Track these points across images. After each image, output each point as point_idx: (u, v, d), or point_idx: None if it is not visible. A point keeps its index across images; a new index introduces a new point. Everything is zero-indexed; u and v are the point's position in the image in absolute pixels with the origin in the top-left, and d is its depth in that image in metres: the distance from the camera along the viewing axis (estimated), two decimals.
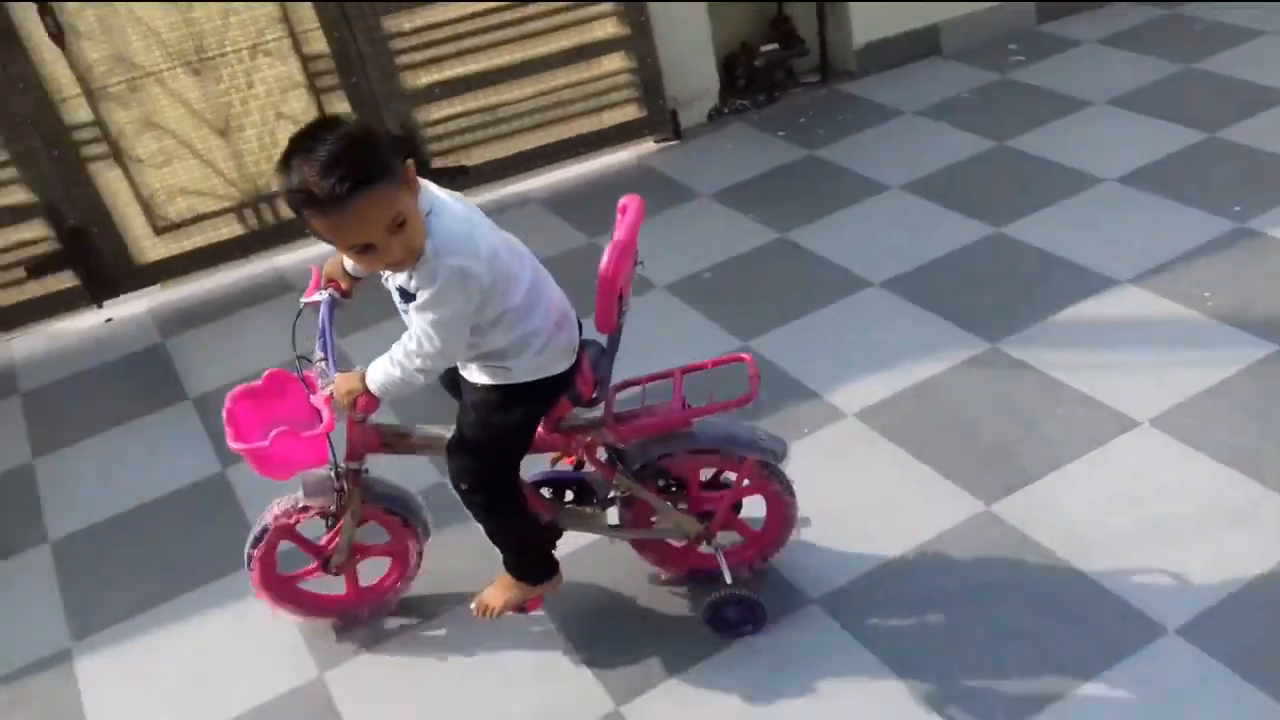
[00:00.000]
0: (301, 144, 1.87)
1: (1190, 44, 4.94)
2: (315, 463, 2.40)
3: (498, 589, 2.57)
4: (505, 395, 2.29)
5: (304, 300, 2.40)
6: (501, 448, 2.37)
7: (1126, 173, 4.05)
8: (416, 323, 2.09)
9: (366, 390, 2.22)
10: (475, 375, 2.31)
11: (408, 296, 2.09)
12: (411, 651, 2.68)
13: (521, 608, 2.60)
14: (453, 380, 2.42)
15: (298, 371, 2.37)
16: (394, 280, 2.10)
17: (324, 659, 2.69)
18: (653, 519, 2.58)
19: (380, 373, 2.21)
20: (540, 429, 2.42)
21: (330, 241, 1.97)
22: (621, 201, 2.39)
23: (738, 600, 2.53)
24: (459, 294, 2.03)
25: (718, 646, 2.52)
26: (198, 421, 3.65)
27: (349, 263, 2.37)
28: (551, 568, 2.56)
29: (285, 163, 1.89)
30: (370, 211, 1.88)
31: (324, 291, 2.39)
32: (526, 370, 2.26)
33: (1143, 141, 4.23)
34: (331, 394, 2.24)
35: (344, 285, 2.41)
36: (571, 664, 2.57)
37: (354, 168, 1.85)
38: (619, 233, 2.30)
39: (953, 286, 3.63)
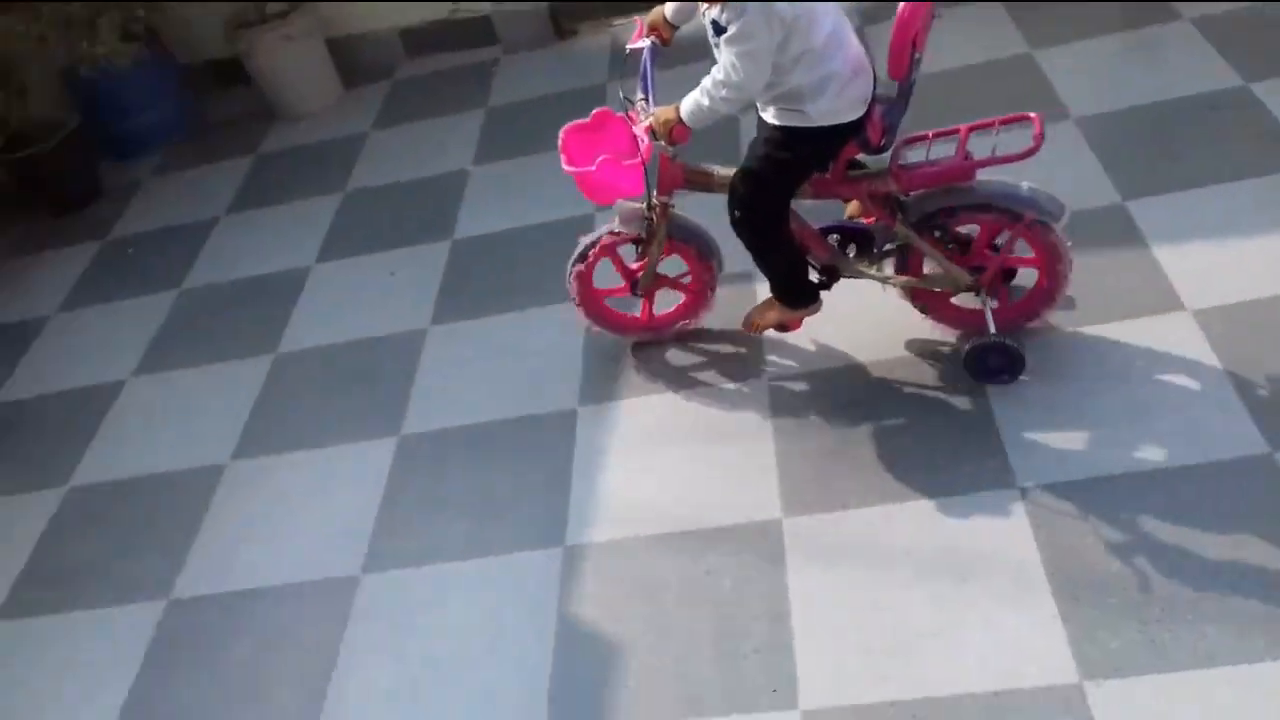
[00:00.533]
0: None
1: None
2: (633, 191, 2.70)
3: (764, 308, 2.94)
4: (796, 137, 2.51)
5: (630, 47, 2.73)
6: (778, 182, 2.61)
7: None
8: (725, 54, 2.35)
9: (680, 120, 2.50)
10: (772, 117, 2.54)
11: (719, 30, 2.34)
12: None
13: (784, 326, 2.96)
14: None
15: (623, 109, 2.72)
16: (709, 13, 2.35)
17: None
18: (925, 269, 2.82)
19: (691, 103, 2.48)
20: (830, 175, 2.66)
21: None
22: None
23: (1001, 348, 2.71)
24: (763, 27, 2.27)
25: None
26: None
27: (669, 9, 2.68)
28: (813, 294, 2.86)
29: None
30: None
31: (646, 40, 2.69)
32: (822, 114, 2.46)
33: None
34: (651, 124, 2.54)
35: (665, 34, 2.71)
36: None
37: None
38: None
39: None
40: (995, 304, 2.79)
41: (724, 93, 2.39)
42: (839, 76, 2.41)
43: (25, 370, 4.11)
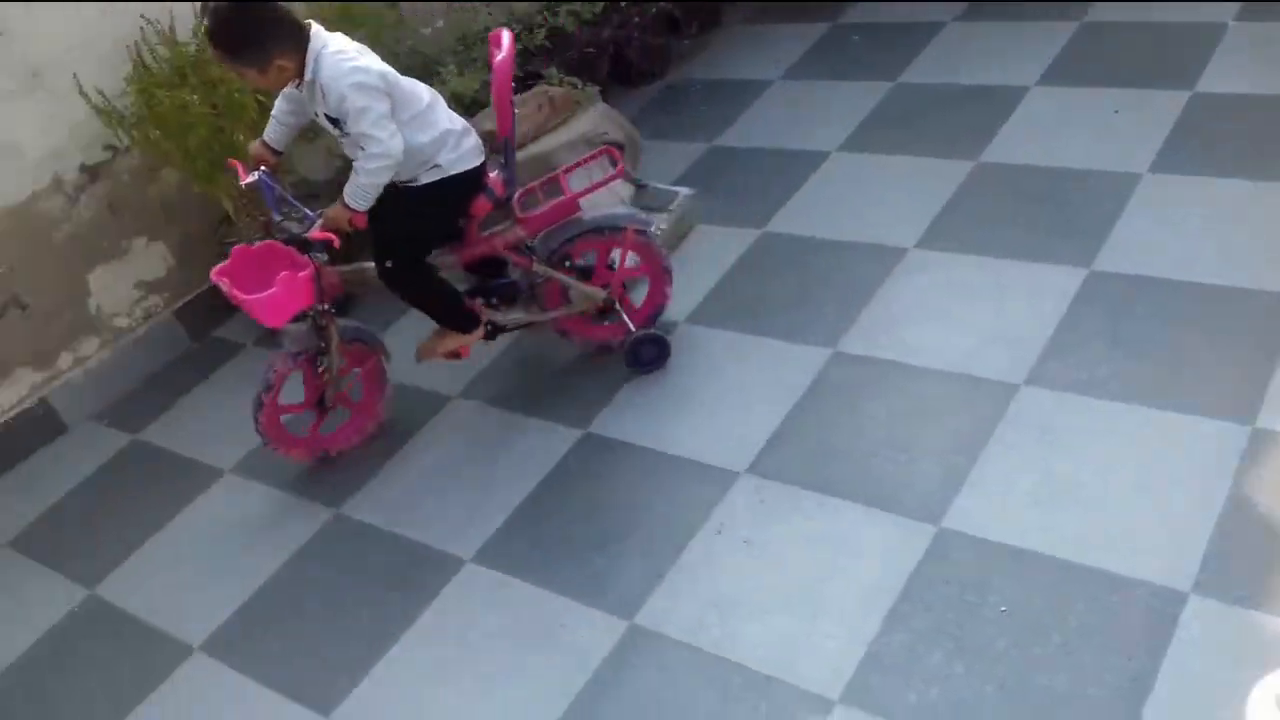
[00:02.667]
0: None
1: None
2: (306, 302, 2.87)
3: (436, 337, 3.15)
4: (441, 187, 2.84)
5: (244, 183, 2.83)
6: (426, 227, 2.95)
7: None
8: (356, 134, 2.63)
9: (350, 209, 2.73)
10: (418, 182, 2.84)
11: (337, 124, 2.68)
12: None
13: (456, 354, 3.19)
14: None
15: (284, 235, 2.85)
16: (320, 114, 2.72)
17: None
18: (565, 298, 3.19)
19: (354, 189, 2.71)
20: (467, 239, 3.01)
21: None
22: (493, 34, 2.93)
23: (651, 339, 3.25)
24: (367, 98, 2.60)
25: None
26: None
27: (270, 137, 2.90)
28: (475, 319, 3.13)
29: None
30: (225, 66, 2.72)
31: (255, 173, 2.84)
32: (452, 163, 2.82)
33: None
34: (324, 227, 2.76)
35: (270, 160, 2.91)
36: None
37: (213, 37, 2.61)
38: (502, 55, 2.83)
39: None
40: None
41: (375, 163, 2.66)
42: (453, 132, 2.83)
43: (744, 124, 4.55)
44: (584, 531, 2.90)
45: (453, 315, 3.12)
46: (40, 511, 3.58)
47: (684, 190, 3.99)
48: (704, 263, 3.77)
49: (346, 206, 2.74)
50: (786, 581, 2.61)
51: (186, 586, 3.12)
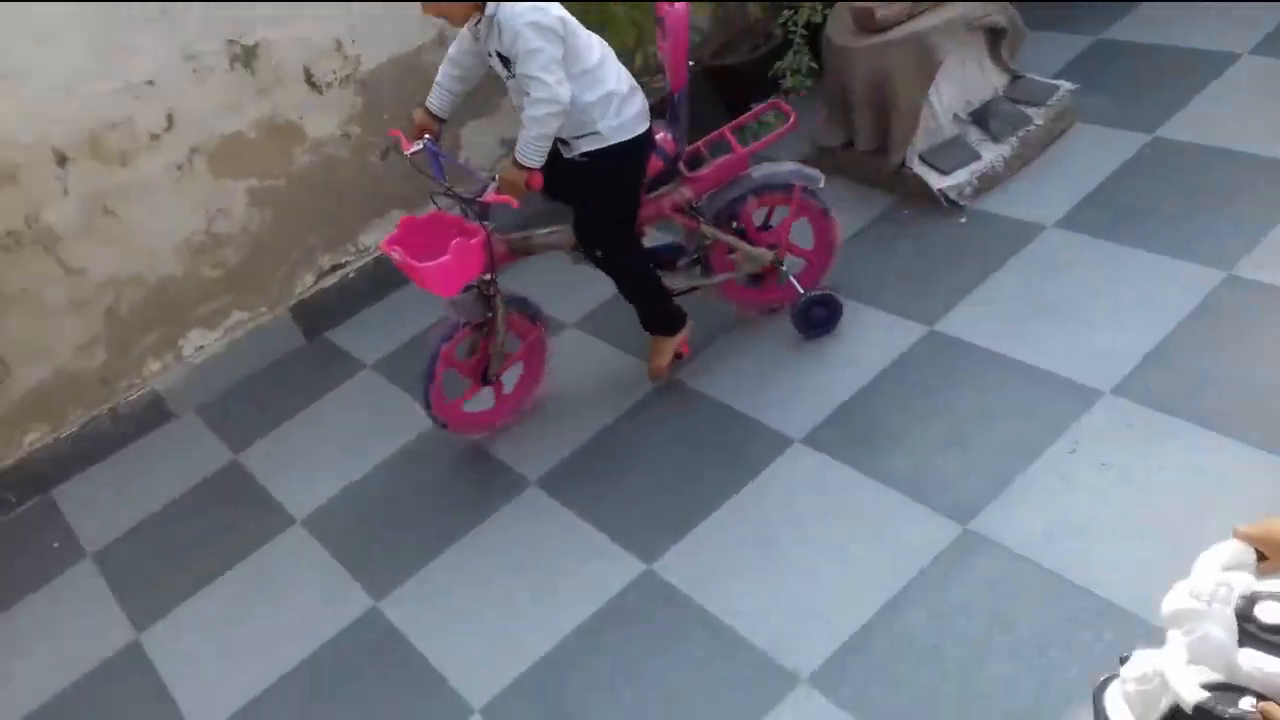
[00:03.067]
0: None
1: None
2: (478, 271, 2.79)
3: (655, 353, 3.09)
4: (604, 158, 2.73)
5: (409, 153, 2.78)
6: (618, 205, 2.83)
7: None
8: (524, 76, 2.54)
9: (524, 167, 2.62)
10: (576, 150, 2.74)
11: (507, 63, 2.60)
12: None
13: (678, 354, 3.14)
14: (552, 184, 2.76)
15: (459, 200, 2.83)
16: (493, 53, 2.62)
17: None
18: (731, 259, 3.07)
19: (524, 143, 2.60)
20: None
21: None
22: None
23: (821, 300, 3.07)
24: (541, 39, 2.50)
25: None
26: None
27: (433, 104, 2.84)
28: (682, 314, 3.07)
29: None
30: None
31: (419, 141, 2.78)
32: (613, 130, 2.70)
33: None
34: (499, 189, 2.64)
35: (434, 128, 2.84)
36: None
37: None
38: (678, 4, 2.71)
39: None
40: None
41: (542, 109, 2.54)
42: (617, 94, 2.69)
43: (1138, 16, 4.09)
44: (920, 430, 2.79)
45: (662, 311, 3.05)
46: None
47: (1064, 85, 3.67)
48: (1080, 164, 3.47)
49: (519, 165, 2.63)
50: (1150, 512, 2.40)
51: (529, 434, 3.29)
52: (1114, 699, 1.34)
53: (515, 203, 2.66)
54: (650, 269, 2.99)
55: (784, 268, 3.12)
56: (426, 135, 2.81)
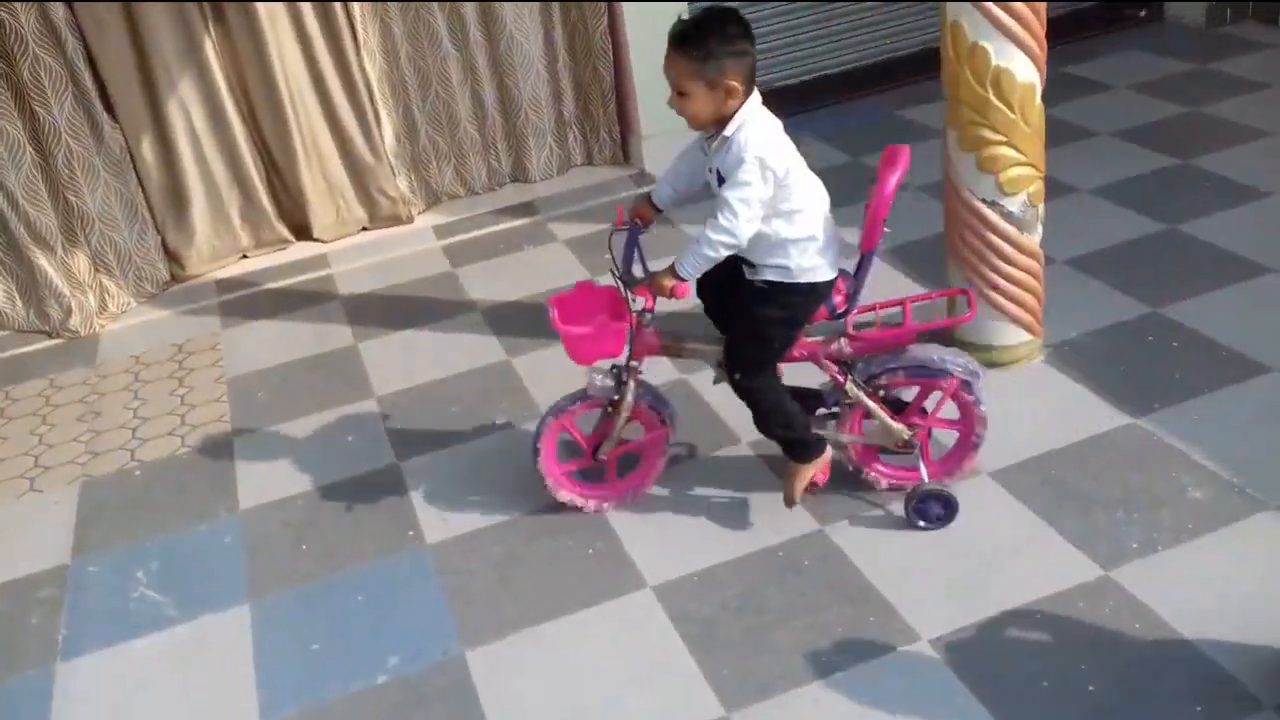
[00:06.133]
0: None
1: None
2: (615, 351, 2.90)
3: (790, 479, 3.03)
4: (782, 291, 2.78)
5: (615, 227, 2.95)
6: (772, 339, 2.85)
7: None
8: (723, 198, 2.63)
9: (678, 277, 2.72)
10: (760, 274, 2.79)
11: (720, 180, 2.68)
12: None
13: (814, 483, 3.06)
14: (718, 302, 2.96)
15: (615, 281, 2.91)
16: (715, 162, 2.70)
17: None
18: (864, 426, 3.03)
19: (689, 257, 2.70)
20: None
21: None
22: (889, 149, 2.79)
23: (938, 495, 2.97)
24: (758, 176, 2.59)
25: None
26: None
27: (660, 196, 2.95)
28: (820, 442, 3.00)
29: None
30: (674, 65, 2.62)
31: (630, 223, 2.94)
32: (803, 270, 2.75)
33: None
34: (649, 287, 2.76)
35: (649, 215, 2.96)
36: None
37: (682, 33, 2.59)
38: (898, 170, 2.74)
39: None
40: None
41: (717, 236, 2.64)
42: (819, 237, 2.73)
43: None
44: None
45: (799, 439, 3.00)
46: None
47: None
48: None
49: (674, 273, 2.74)
50: None
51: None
52: None
53: (652, 303, 2.83)
54: (785, 400, 2.98)
55: (915, 451, 3.05)
56: (638, 220, 2.97)
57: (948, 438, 3.11)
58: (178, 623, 3.02)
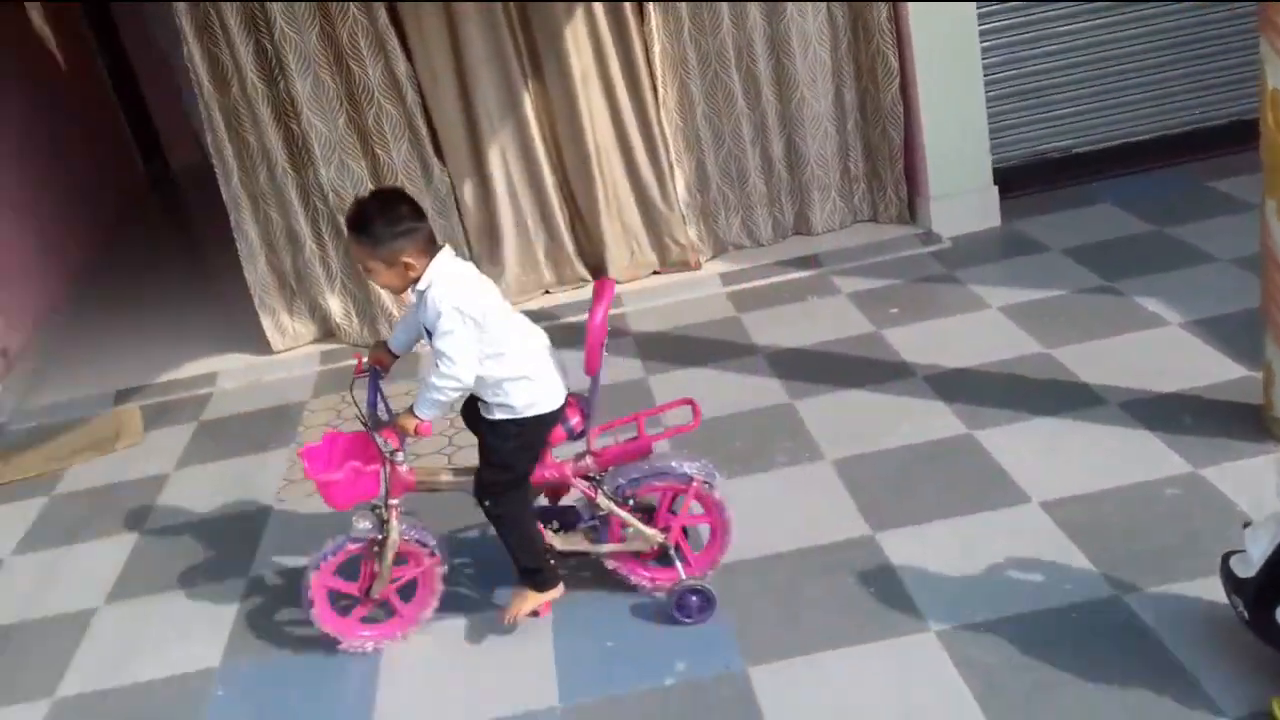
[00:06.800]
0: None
1: None
2: (371, 493, 3.03)
3: (518, 600, 3.14)
4: (512, 425, 2.95)
5: (355, 376, 3.12)
6: (513, 465, 3.00)
7: None
8: (436, 350, 2.82)
9: (418, 418, 2.88)
10: (490, 412, 2.97)
11: (428, 334, 2.87)
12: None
13: (535, 612, 3.17)
14: (473, 419, 3.07)
15: (365, 427, 3.05)
16: (419, 317, 2.89)
17: None
18: (623, 534, 3.16)
19: (423, 402, 2.87)
20: (543, 457, 3.06)
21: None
22: (599, 281, 3.08)
23: (697, 590, 3.10)
24: (459, 323, 2.78)
25: None
26: None
27: (393, 338, 3.13)
28: (556, 577, 3.14)
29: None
30: (353, 247, 2.94)
31: (368, 370, 3.10)
32: (526, 405, 2.93)
33: None
34: (394, 429, 2.92)
35: (386, 361, 3.11)
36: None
37: (350, 220, 2.86)
38: (605, 299, 2.99)
39: None
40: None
41: (442, 383, 2.83)
42: (530, 378, 2.93)
43: None
44: None
45: (538, 569, 3.11)
46: None
47: None
48: None
49: (413, 414, 2.90)
50: None
51: None
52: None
53: (396, 443, 2.96)
54: (532, 529, 3.12)
55: (672, 552, 3.17)
56: (377, 365, 3.12)
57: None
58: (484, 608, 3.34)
